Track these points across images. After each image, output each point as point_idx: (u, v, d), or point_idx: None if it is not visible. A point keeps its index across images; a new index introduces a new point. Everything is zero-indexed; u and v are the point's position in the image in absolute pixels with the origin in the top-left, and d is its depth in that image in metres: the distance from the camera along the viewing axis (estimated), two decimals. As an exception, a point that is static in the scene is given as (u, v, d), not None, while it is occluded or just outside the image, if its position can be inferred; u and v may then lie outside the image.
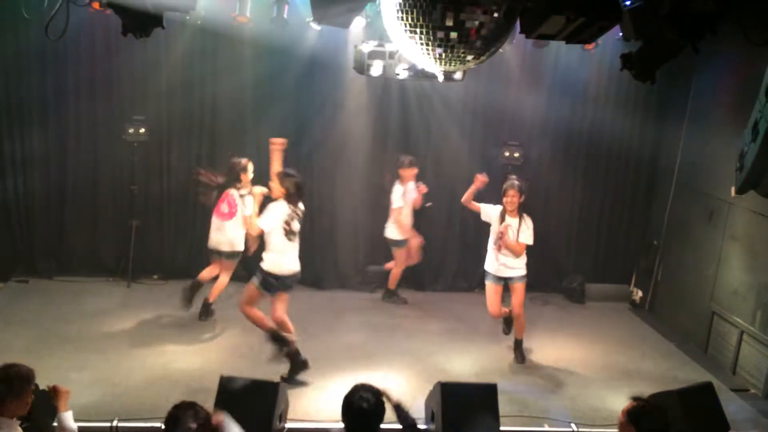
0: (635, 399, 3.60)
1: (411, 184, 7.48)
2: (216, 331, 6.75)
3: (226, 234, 6.75)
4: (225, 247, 6.79)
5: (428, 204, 7.67)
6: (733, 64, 6.97)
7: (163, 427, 3.13)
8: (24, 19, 5.29)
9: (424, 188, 7.52)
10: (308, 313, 7.27)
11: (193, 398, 5.17)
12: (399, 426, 3.88)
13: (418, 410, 5.35)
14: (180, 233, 8.02)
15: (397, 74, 5.68)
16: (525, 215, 6.37)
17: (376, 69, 5.70)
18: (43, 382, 3.69)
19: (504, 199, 6.33)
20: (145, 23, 4.04)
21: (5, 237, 7.72)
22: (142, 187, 7.76)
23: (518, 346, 6.59)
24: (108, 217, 7.93)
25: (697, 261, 7.46)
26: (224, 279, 6.88)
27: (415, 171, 7.45)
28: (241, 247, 6.80)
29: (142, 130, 7.54)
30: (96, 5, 5.90)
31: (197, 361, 6.12)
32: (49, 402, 3.65)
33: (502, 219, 6.37)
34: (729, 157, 5.94)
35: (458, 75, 5.60)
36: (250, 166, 6.76)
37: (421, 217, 7.81)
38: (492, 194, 7.71)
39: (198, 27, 7.15)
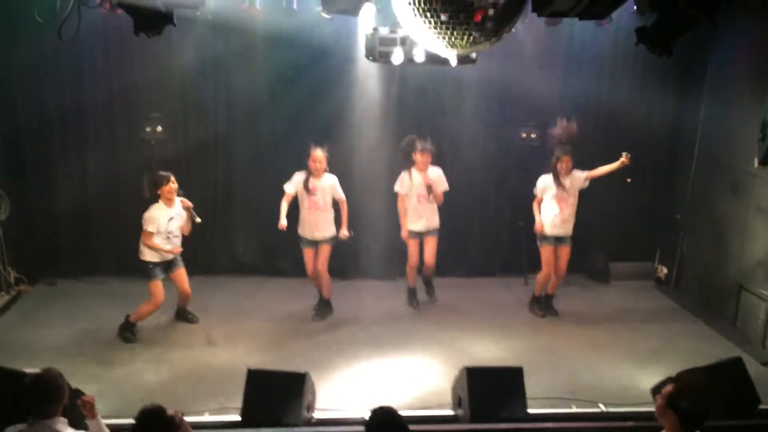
0: (673, 380, 3.31)
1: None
2: (242, 325, 6.80)
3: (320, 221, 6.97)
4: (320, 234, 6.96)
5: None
6: (752, 33, 6.82)
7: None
8: (38, 23, 5.33)
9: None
10: (332, 303, 7.32)
11: (223, 391, 5.32)
12: None
13: (444, 396, 5.39)
14: (201, 228, 8.06)
15: (410, 60, 5.63)
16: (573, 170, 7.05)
17: (393, 56, 5.64)
18: (75, 383, 3.75)
19: (559, 165, 6.99)
20: (156, 21, 4.07)
21: (31, 240, 7.81)
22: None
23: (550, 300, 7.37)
24: (131, 216, 7.95)
25: (721, 235, 7.36)
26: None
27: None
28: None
29: (159, 128, 7.56)
30: (107, 6, 5.93)
31: (224, 355, 6.18)
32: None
33: (558, 182, 7.02)
34: (751, 128, 5.84)
35: (473, 56, 5.53)
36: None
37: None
38: (515, 175, 7.69)
39: (209, 22, 7.16)
